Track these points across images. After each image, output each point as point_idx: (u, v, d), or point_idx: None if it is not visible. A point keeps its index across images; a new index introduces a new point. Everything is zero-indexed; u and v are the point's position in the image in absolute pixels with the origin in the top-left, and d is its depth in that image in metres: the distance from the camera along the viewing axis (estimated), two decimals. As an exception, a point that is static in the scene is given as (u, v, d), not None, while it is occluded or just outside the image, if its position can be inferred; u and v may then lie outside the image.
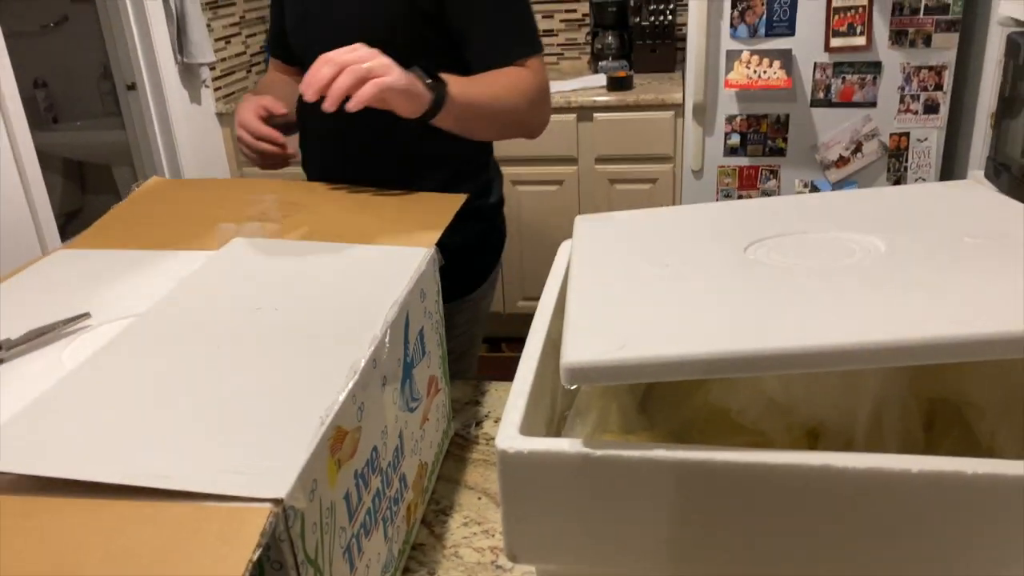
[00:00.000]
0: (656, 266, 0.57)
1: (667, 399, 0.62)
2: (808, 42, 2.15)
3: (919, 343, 0.43)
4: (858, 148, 2.21)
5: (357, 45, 0.84)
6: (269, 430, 0.46)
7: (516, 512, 0.48)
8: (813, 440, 0.56)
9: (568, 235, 0.67)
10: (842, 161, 2.23)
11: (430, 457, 0.71)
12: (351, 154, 1.09)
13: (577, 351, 0.46)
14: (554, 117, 2.50)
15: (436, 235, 0.73)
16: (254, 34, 2.95)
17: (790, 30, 2.14)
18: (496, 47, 1.05)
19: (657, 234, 0.65)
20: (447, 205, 0.81)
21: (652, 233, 0.65)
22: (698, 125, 2.30)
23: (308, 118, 1.05)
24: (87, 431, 0.46)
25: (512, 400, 0.50)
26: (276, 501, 0.40)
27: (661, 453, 0.44)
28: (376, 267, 0.67)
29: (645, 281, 0.55)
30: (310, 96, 0.82)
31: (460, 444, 0.81)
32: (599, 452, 0.45)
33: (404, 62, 0.87)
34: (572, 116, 2.48)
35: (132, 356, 0.54)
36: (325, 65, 0.81)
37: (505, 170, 2.58)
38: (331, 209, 0.85)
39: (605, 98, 2.44)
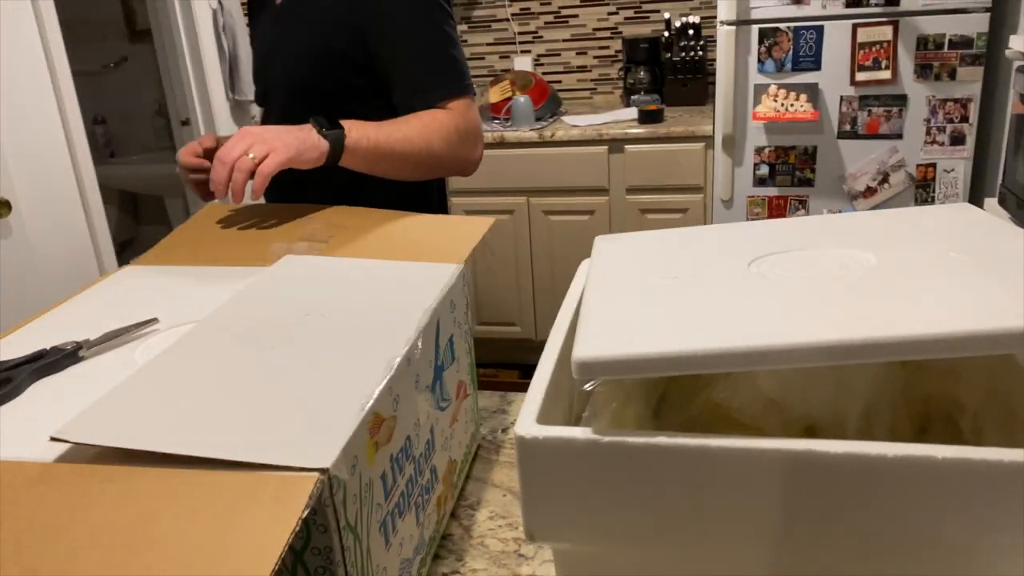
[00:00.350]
0: (665, 278, 0.63)
1: (676, 401, 0.67)
2: (834, 76, 2.19)
3: (898, 340, 0.48)
4: (885, 179, 2.23)
5: (244, 131, 0.94)
6: (317, 413, 0.52)
7: (533, 494, 0.53)
8: (809, 436, 0.60)
9: (596, 260, 0.72)
10: (869, 191, 2.26)
11: (459, 456, 0.77)
12: (305, 181, 1.15)
13: (588, 347, 0.52)
14: (586, 149, 2.60)
15: (465, 253, 0.79)
16: (300, 72, 3.09)
17: (816, 65, 2.19)
18: (416, 91, 1.10)
19: (668, 251, 0.70)
20: (475, 227, 0.88)
21: (664, 250, 0.71)
22: (727, 156, 2.36)
23: None
24: (159, 413, 0.53)
25: (531, 395, 0.56)
26: (322, 470, 0.46)
27: (663, 440, 0.49)
28: (411, 280, 0.73)
29: (654, 290, 0.61)
30: (220, 197, 0.94)
31: (488, 448, 0.86)
32: (607, 439, 0.50)
33: (338, 109, 1.01)
34: (603, 148, 2.55)
35: (196, 354, 0.61)
36: (219, 165, 0.92)
37: (537, 200, 2.69)
38: (370, 230, 0.92)
39: (636, 130, 2.50)
